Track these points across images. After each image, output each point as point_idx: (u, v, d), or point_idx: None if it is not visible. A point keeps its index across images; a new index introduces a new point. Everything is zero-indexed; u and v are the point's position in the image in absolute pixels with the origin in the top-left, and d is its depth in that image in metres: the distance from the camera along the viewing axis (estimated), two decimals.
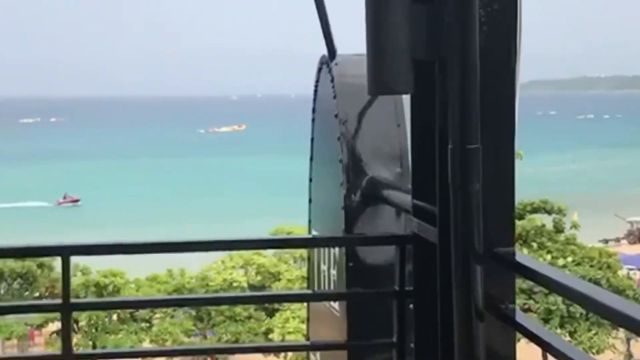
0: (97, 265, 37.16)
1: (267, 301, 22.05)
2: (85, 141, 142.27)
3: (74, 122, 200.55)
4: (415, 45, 3.15)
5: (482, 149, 2.83)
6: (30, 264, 32.54)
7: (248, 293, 24.49)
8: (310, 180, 5.72)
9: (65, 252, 3.64)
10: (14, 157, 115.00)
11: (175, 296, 23.51)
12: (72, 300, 3.60)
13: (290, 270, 35.61)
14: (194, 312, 32.47)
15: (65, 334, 3.60)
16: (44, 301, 20.38)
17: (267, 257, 36.15)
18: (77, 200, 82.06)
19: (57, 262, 35.64)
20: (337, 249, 4.95)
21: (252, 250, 30.71)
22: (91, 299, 25.56)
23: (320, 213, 5.54)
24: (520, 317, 2.94)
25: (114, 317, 31.64)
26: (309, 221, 5.74)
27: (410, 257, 3.94)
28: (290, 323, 32.00)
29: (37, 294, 36.17)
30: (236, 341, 30.72)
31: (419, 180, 3.56)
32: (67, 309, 3.57)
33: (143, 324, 31.23)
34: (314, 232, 5.58)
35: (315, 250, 5.52)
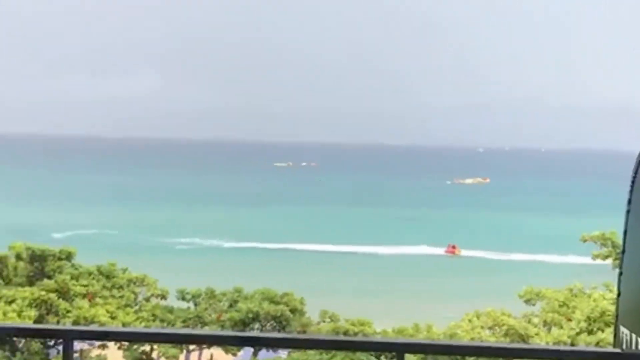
0: (346, 311, 37.94)
1: None
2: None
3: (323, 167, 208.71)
4: None
5: None
6: (284, 308, 33.80)
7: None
8: (621, 273, 5.44)
9: None
10: None
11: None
12: None
13: (540, 334, 34.40)
14: None
15: None
16: None
17: (517, 318, 35.19)
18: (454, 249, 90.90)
19: (307, 308, 36.95)
20: None
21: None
22: None
23: (633, 309, 5.24)
24: None
25: None
26: (616, 316, 5.45)
27: None
28: None
29: None
30: None
31: None
32: None
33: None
34: (623, 330, 5.28)
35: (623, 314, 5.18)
